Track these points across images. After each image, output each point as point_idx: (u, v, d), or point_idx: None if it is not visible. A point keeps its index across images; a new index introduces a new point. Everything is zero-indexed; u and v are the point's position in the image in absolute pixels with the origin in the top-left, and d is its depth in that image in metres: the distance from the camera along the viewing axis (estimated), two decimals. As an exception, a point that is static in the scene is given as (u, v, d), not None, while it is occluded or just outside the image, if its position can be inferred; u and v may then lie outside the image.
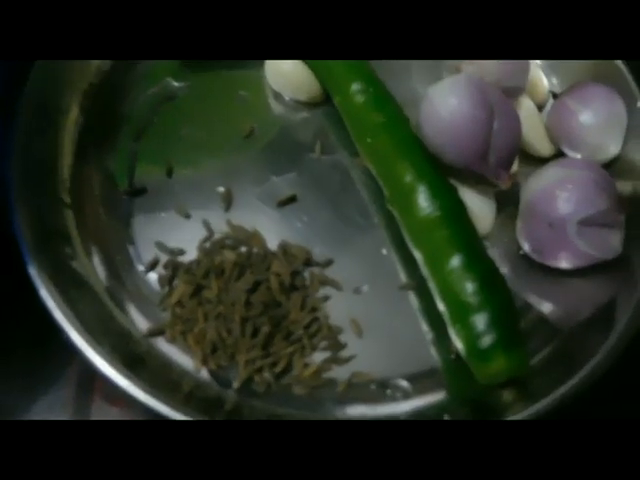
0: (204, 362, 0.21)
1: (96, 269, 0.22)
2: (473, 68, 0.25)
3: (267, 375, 0.21)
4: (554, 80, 0.28)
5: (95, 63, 0.25)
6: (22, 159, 0.22)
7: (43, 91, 0.23)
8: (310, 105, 0.27)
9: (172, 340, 0.21)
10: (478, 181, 0.24)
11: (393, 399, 0.21)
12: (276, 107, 0.27)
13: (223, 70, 0.28)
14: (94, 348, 0.20)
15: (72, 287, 0.21)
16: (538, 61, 0.29)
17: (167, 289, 0.22)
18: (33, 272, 0.20)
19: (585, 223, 0.22)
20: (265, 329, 0.21)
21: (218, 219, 0.24)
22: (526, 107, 0.27)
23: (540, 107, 0.28)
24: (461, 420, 0.21)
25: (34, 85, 0.23)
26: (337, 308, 0.23)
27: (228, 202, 0.25)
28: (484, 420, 0.21)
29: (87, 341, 0.20)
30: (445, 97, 0.22)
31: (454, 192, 0.23)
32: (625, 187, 0.24)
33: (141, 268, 0.23)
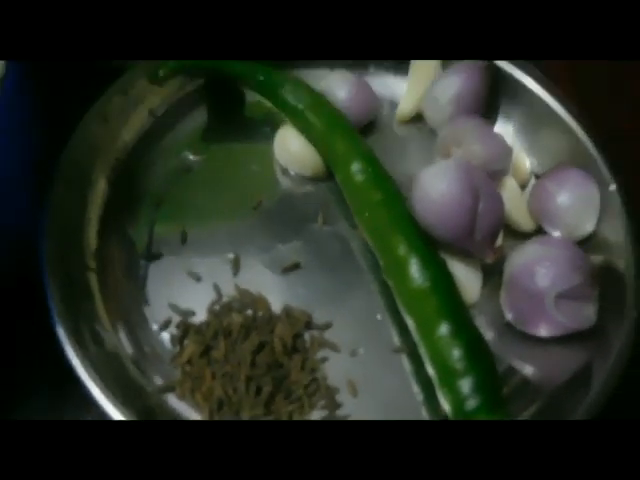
0: (211, 417, 0.23)
1: (115, 327, 0.24)
2: (462, 152, 0.28)
3: (268, 432, 0.23)
4: (535, 162, 0.31)
5: (123, 139, 0.28)
6: (54, 225, 0.24)
7: (76, 165, 0.25)
8: (314, 180, 0.30)
9: (182, 397, 0.23)
10: (466, 255, 0.26)
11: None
12: (283, 181, 0.30)
13: (236, 145, 0.31)
14: (110, 400, 0.21)
15: (92, 343, 0.23)
16: (520, 145, 0.32)
17: (178, 348, 0.24)
18: (59, 330, 0.22)
19: (561, 297, 0.24)
20: (268, 388, 0.23)
21: (227, 283, 0.26)
22: (510, 187, 0.29)
23: (523, 186, 0.31)
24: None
25: (68, 159, 0.26)
26: (334, 369, 0.25)
27: (237, 267, 0.27)
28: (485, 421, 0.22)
29: (103, 393, 0.21)
30: (435, 182, 0.25)
31: (443, 265, 0.25)
32: (599, 262, 0.27)
33: (155, 327, 0.25)
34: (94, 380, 0.21)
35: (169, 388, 0.23)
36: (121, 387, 0.22)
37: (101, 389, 0.21)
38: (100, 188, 0.27)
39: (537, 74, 0.32)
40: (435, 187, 0.25)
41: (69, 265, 0.24)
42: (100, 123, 0.27)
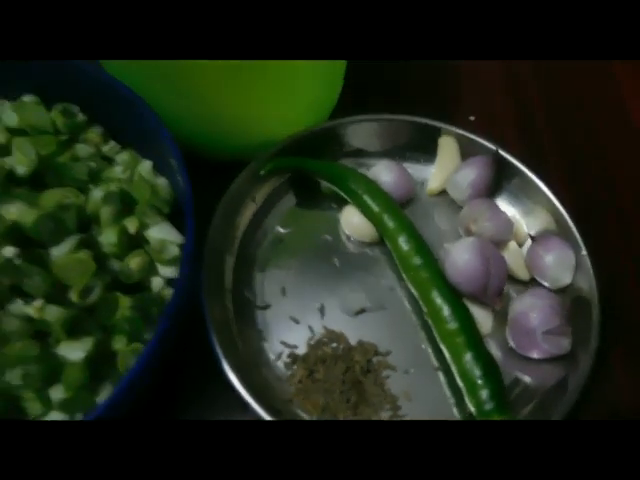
0: (319, 418, 0.34)
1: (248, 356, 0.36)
2: (477, 228, 0.40)
3: (356, 426, 0.34)
4: (529, 224, 0.42)
5: (238, 225, 0.39)
6: (208, 284, 0.35)
7: (214, 248, 0.37)
8: (371, 245, 0.41)
9: (298, 404, 0.35)
10: (481, 303, 0.38)
11: (431, 441, 0.35)
12: (349, 246, 0.41)
13: (313, 220, 0.42)
14: (257, 404, 0.32)
15: (239, 363, 0.34)
16: (517, 212, 0.43)
17: (290, 372, 0.36)
18: (217, 350, 0.33)
19: (547, 333, 0.35)
20: (354, 398, 0.35)
21: (317, 324, 0.37)
22: (512, 248, 0.40)
23: (521, 244, 0.42)
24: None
25: (210, 245, 0.37)
26: (395, 383, 0.36)
27: (322, 312, 0.38)
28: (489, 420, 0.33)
29: (253, 398, 0.32)
30: (461, 254, 0.36)
31: (467, 310, 0.37)
32: (573, 306, 0.38)
33: (272, 357, 0.36)
34: (244, 387, 0.32)
35: (289, 399, 0.35)
36: (259, 395, 0.33)
37: (249, 394, 0.32)
38: (229, 262, 0.38)
39: (529, 161, 0.42)
40: (461, 258, 0.36)
41: (218, 313, 0.35)
42: (225, 216, 0.38)
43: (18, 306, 0.28)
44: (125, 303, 0.31)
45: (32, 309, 0.28)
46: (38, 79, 0.39)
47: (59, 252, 0.31)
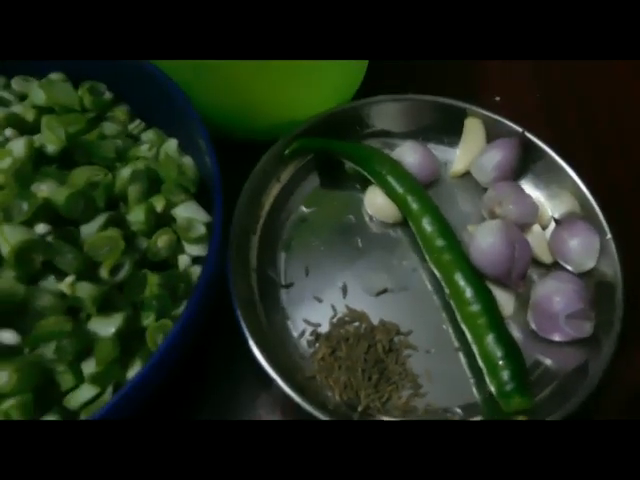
0: (340, 395, 0.35)
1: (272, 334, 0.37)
2: (501, 211, 0.39)
3: (377, 404, 0.35)
4: (553, 208, 0.42)
5: (263, 204, 0.40)
6: (234, 263, 0.36)
7: (240, 226, 0.37)
8: (394, 225, 0.41)
9: (320, 381, 0.35)
10: (504, 285, 0.38)
11: (451, 418, 0.35)
12: (372, 226, 0.41)
13: (336, 200, 0.42)
14: (282, 380, 0.33)
15: (264, 341, 0.34)
16: (542, 195, 0.43)
17: (313, 350, 0.37)
18: (243, 328, 0.34)
19: (569, 316, 0.35)
20: (375, 376, 0.35)
21: (339, 303, 0.38)
22: (536, 231, 0.40)
23: (544, 227, 0.42)
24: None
25: (236, 223, 0.37)
26: (416, 363, 0.36)
27: (345, 292, 0.39)
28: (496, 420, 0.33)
29: (278, 375, 0.33)
30: (486, 237, 0.36)
31: (489, 292, 0.37)
32: (596, 290, 0.38)
33: (295, 335, 0.37)
34: (269, 364, 0.33)
35: (312, 376, 0.35)
36: (283, 370, 0.34)
37: (274, 370, 0.33)
38: (254, 241, 0.39)
39: (555, 143, 0.42)
40: (486, 241, 0.36)
41: (244, 291, 0.36)
42: (250, 195, 0.38)
43: (51, 282, 0.29)
44: (153, 280, 0.32)
45: (64, 285, 0.29)
46: (69, 60, 0.39)
47: (89, 230, 0.31)
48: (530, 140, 0.41)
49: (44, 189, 0.31)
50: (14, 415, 0.26)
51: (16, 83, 0.39)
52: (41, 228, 0.29)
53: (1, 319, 0.27)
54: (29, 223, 0.29)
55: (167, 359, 0.28)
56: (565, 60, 0.51)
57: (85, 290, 0.29)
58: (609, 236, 0.38)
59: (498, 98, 0.49)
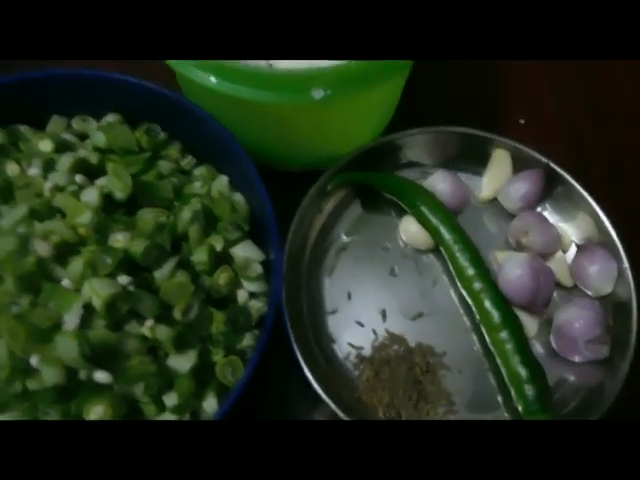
0: (383, 414, 0.39)
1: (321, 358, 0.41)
2: (527, 241, 0.43)
3: (416, 420, 0.39)
4: (573, 232, 0.45)
5: (309, 234, 0.43)
6: (287, 293, 0.39)
7: (290, 254, 0.41)
8: (427, 252, 0.45)
9: (365, 400, 0.39)
10: (529, 311, 0.41)
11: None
12: (407, 253, 0.45)
13: (374, 229, 0.45)
14: (331, 399, 0.37)
15: (314, 364, 0.38)
16: (562, 220, 0.46)
17: (358, 371, 0.40)
18: (296, 351, 0.38)
19: (588, 341, 0.39)
20: (415, 396, 0.39)
21: (380, 327, 0.42)
22: (558, 257, 0.44)
23: (565, 251, 0.45)
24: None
25: (288, 252, 0.40)
26: (450, 382, 0.40)
27: (384, 317, 0.42)
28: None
29: (327, 396, 0.37)
30: (513, 269, 0.40)
31: (516, 318, 0.40)
32: (613, 312, 0.42)
33: (341, 357, 0.41)
34: (319, 384, 0.37)
35: (358, 396, 0.39)
36: (330, 391, 0.38)
37: (322, 389, 0.37)
38: (303, 271, 0.42)
39: (573, 167, 0.45)
40: (513, 273, 0.40)
41: (296, 319, 0.39)
42: (298, 229, 0.41)
43: (134, 326, 0.33)
44: (219, 318, 0.35)
45: (146, 329, 0.32)
46: (120, 99, 0.42)
47: (162, 274, 0.35)
48: (553, 168, 0.44)
49: (120, 239, 0.34)
50: (111, 444, 0.31)
51: (76, 123, 0.42)
52: (124, 279, 0.32)
53: (95, 361, 0.31)
54: (112, 275, 0.32)
55: (243, 392, 0.32)
56: (589, 90, 0.54)
57: (163, 332, 0.33)
58: (626, 264, 0.41)
59: (522, 121, 0.51)
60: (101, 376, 0.31)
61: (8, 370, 0.30)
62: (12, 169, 0.37)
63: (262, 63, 0.37)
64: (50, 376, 0.29)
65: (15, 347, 0.29)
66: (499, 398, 0.40)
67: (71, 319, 0.30)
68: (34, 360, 0.30)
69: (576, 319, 0.39)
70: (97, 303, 0.31)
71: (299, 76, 0.34)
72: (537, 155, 0.45)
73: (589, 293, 0.42)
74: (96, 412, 0.31)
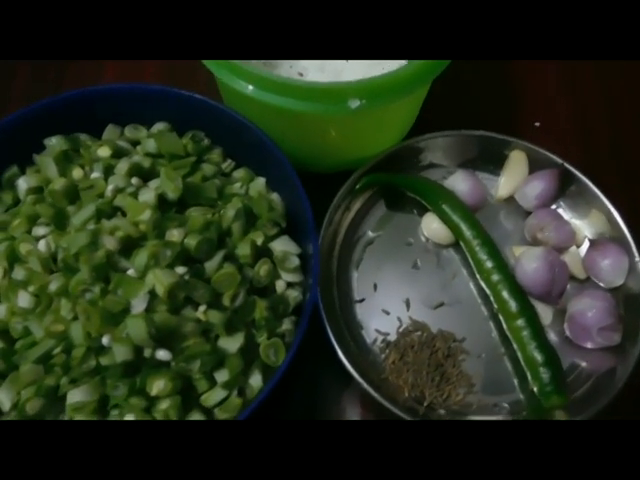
0: (408, 393, 0.43)
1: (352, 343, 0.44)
2: (543, 237, 0.46)
3: (439, 400, 0.42)
4: (586, 227, 0.48)
5: (339, 229, 0.47)
6: (321, 285, 0.42)
7: (325, 251, 0.45)
8: (447, 247, 0.48)
9: (392, 381, 0.43)
10: (544, 301, 0.45)
11: (500, 412, 0.43)
12: (429, 248, 0.48)
13: (398, 225, 0.49)
14: (362, 379, 0.40)
15: (346, 348, 0.42)
16: (576, 216, 0.49)
17: (384, 355, 0.44)
18: (331, 338, 0.41)
19: (601, 329, 0.42)
20: (437, 378, 0.43)
21: (404, 315, 0.45)
22: (572, 251, 0.47)
23: (579, 246, 0.48)
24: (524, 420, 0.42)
25: (321, 249, 0.44)
26: (469, 365, 0.44)
27: (408, 306, 0.46)
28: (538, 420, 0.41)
29: (359, 376, 0.41)
30: (530, 262, 0.43)
31: (532, 307, 0.44)
32: (624, 303, 0.45)
33: (369, 342, 0.45)
34: (352, 365, 0.41)
35: (385, 377, 0.43)
36: (363, 371, 0.42)
37: (355, 370, 0.40)
38: (334, 265, 0.46)
39: (587, 165, 0.48)
40: (530, 266, 0.43)
41: (329, 308, 0.43)
42: (329, 226, 0.46)
43: (189, 311, 0.37)
44: (262, 305, 0.39)
45: (200, 314, 0.37)
46: (169, 109, 0.46)
47: (211, 266, 0.39)
48: (567, 168, 0.48)
49: (175, 234, 0.38)
50: (171, 413, 0.35)
51: (128, 131, 0.47)
52: (180, 270, 0.37)
53: (158, 341, 0.35)
54: (171, 265, 0.37)
55: (285, 373, 0.36)
56: (603, 93, 0.57)
57: (215, 316, 0.37)
58: (637, 259, 0.44)
59: (538, 124, 0.55)
60: (163, 354, 0.36)
61: (84, 349, 0.34)
62: (77, 173, 0.42)
63: (294, 73, 0.42)
64: (120, 353, 0.34)
65: (90, 328, 0.34)
66: (514, 381, 0.43)
67: (139, 304, 0.34)
68: (106, 340, 0.34)
69: (589, 308, 0.43)
70: (160, 290, 0.35)
71: (336, 88, 0.38)
72: (552, 156, 0.48)
73: (601, 285, 0.45)
74: (158, 386, 0.35)
